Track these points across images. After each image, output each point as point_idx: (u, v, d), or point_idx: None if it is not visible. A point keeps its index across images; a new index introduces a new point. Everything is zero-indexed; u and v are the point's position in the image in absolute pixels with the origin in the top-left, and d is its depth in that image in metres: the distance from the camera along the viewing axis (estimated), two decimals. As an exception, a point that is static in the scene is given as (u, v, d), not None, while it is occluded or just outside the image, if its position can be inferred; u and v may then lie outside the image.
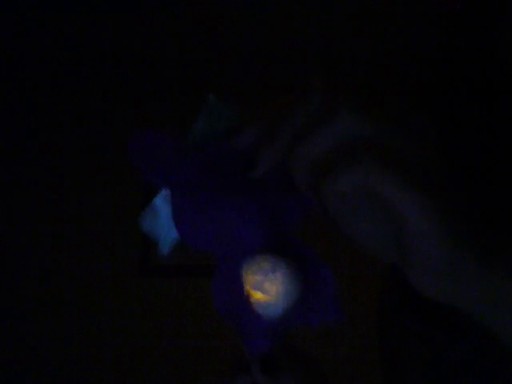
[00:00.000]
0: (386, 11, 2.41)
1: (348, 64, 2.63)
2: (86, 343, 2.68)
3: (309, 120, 0.33)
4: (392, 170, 0.31)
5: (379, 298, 0.61)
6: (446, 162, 0.34)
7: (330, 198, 0.32)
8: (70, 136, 2.82)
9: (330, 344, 2.66)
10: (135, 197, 2.63)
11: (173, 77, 2.81)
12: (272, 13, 2.48)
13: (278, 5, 2.42)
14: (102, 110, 2.83)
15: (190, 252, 0.38)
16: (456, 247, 0.32)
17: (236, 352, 0.51)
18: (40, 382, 2.65)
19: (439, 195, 0.32)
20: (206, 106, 0.37)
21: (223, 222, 0.35)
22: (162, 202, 0.37)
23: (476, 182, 0.50)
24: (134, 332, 2.70)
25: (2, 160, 2.80)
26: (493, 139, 0.51)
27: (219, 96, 0.37)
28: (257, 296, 0.34)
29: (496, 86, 0.51)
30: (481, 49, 0.52)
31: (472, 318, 0.34)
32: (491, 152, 0.51)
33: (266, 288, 0.34)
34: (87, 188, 2.78)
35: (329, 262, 0.37)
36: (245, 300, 0.35)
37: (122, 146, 2.59)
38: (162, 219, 0.37)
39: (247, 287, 0.34)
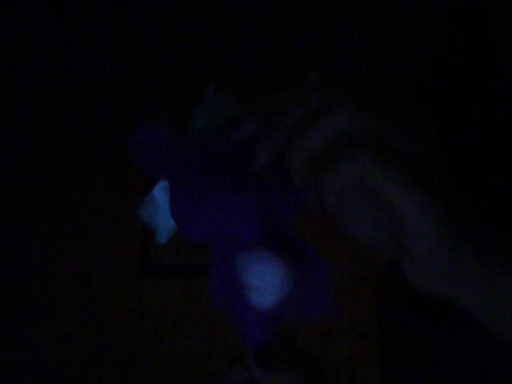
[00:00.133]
0: (385, 11, 2.41)
1: (348, 64, 2.63)
2: (85, 343, 2.68)
3: (307, 113, 0.33)
4: (390, 165, 0.31)
5: (379, 298, 0.61)
6: (446, 160, 0.34)
7: (328, 193, 0.32)
8: (70, 136, 2.82)
9: (330, 344, 2.66)
10: (135, 197, 2.63)
11: (173, 76, 2.81)
12: (272, 13, 2.48)
13: (277, 5, 2.42)
14: (102, 109, 2.83)
15: (189, 252, 0.38)
16: (455, 245, 0.32)
17: (235, 346, 0.51)
18: (40, 381, 2.64)
19: (438, 193, 0.32)
20: (206, 99, 0.37)
21: (220, 216, 0.35)
22: (160, 193, 0.38)
23: (476, 181, 0.50)
24: (134, 332, 2.70)
25: (2, 160, 2.80)
26: (492, 139, 0.51)
27: (220, 88, 0.37)
28: (250, 287, 0.34)
29: (496, 86, 0.51)
30: (481, 49, 0.52)
31: (472, 317, 0.34)
32: (491, 151, 0.51)
33: (260, 279, 0.34)
34: (87, 188, 2.78)
35: (329, 261, 0.37)
36: (239, 291, 0.35)
37: (123, 145, 2.59)
38: (160, 209, 0.38)
39: (241, 278, 0.35)
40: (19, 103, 2.82)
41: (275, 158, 0.34)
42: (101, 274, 2.73)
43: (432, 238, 0.31)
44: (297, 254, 0.36)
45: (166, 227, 0.38)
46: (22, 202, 2.77)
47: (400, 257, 0.34)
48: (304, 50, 2.63)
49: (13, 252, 2.73)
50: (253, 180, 0.35)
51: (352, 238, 0.38)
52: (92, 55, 2.78)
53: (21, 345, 2.67)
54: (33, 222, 2.75)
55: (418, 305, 0.54)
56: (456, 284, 0.33)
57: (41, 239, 2.74)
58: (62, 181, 2.79)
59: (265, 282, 0.34)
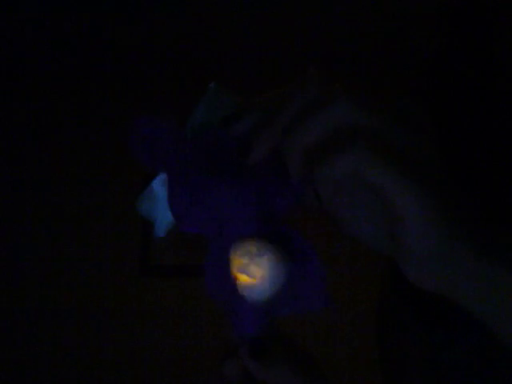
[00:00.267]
0: (385, 11, 2.41)
1: (348, 64, 2.63)
2: (85, 343, 2.68)
3: (305, 107, 0.33)
4: (386, 160, 0.31)
5: (379, 298, 0.61)
6: (445, 159, 0.34)
7: (323, 186, 0.32)
8: (70, 136, 2.82)
9: (329, 344, 2.66)
10: (135, 197, 2.63)
11: (173, 76, 2.81)
12: (272, 13, 2.48)
13: (277, 5, 2.42)
14: (102, 109, 2.83)
15: (189, 252, 0.38)
16: (450, 238, 0.32)
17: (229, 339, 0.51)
18: (40, 381, 2.65)
19: (433, 186, 0.32)
20: (206, 95, 0.38)
21: (216, 207, 0.36)
22: (159, 186, 0.38)
23: (476, 180, 0.50)
24: (134, 332, 2.70)
25: (2, 160, 2.80)
26: (492, 138, 0.51)
27: (220, 85, 0.38)
28: (243, 279, 0.35)
29: (495, 86, 0.51)
30: (480, 49, 0.52)
31: (472, 316, 0.34)
32: (491, 151, 0.51)
33: (252, 271, 0.35)
34: (87, 188, 2.78)
35: (329, 261, 0.37)
36: (233, 283, 0.35)
37: (123, 145, 2.58)
38: (159, 202, 0.38)
39: (234, 270, 0.35)
40: (19, 103, 2.82)
41: (272, 151, 0.34)
42: (101, 274, 2.73)
43: (425, 228, 0.31)
44: (292, 248, 0.36)
45: (164, 220, 0.38)
46: (22, 201, 2.77)
47: (398, 255, 0.34)
48: (304, 50, 2.63)
49: (13, 252, 2.73)
50: (250, 174, 0.36)
51: (352, 237, 0.38)
52: (92, 55, 2.78)
53: (21, 345, 2.67)
54: (33, 222, 2.75)
55: (418, 305, 0.54)
56: (456, 283, 0.33)
57: (41, 239, 2.74)
58: (62, 181, 2.79)
59: (257, 274, 0.34)
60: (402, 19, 2.43)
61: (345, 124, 0.32)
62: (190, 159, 0.36)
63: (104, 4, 2.41)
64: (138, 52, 2.78)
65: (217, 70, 2.77)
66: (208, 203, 0.36)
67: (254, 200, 0.36)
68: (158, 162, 0.37)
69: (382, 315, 0.61)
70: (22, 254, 2.73)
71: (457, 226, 0.32)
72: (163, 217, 0.38)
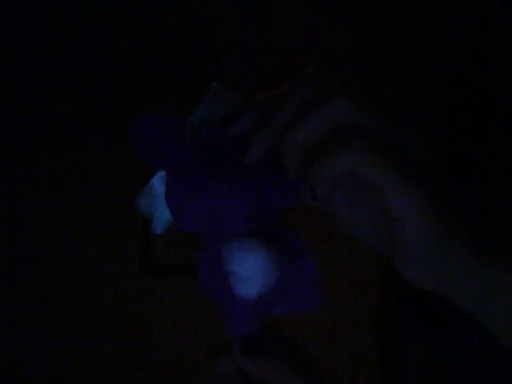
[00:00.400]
0: (385, 11, 2.41)
1: (348, 64, 2.63)
2: (85, 343, 2.68)
3: (303, 106, 0.33)
4: (384, 158, 0.31)
5: (379, 298, 0.61)
6: (443, 155, 0.34)
7: (321, 185, 0.33)
8: (70, 136, 2.82)
9: (330, 344, 2.66)
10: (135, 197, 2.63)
11: (172, 76, 2.82)
12: (272, 13, 2.48)
13: (277, 5, 2.42)
14: (103, 109, 2.83)
15: (189, 252, 0.38)
16: (450, 238, 0.32)
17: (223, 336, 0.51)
18: (40, 381, 2.65)
19: (432, 186, 0.32)
20: (207, 93, 0.38)
21: (212, 206, 0.36)
22: (158, 183, 0.39)
23: (475, 180, 0.50)
24: (134, 332, 2.70)
25: (2, 160, 2.80)
26: (492, 138, 0.51)
27: (221, 85, 0.38)
28: (233, 276, 0.35)
29: (495, 86, 0.51)
30: (480, 49, 0.52)
31: (471, 317, 0.34)
32: (490, 151, 0.51)
33: (244, 268, 0.34)
34: (87, 188, 2.79)
35: (329, 261, 0.37)
36: (225, 280, 0.35)
37: (123, 145, 2.58)
38: (157, 199, 0.38)
39: (226, 266, 0.35)
40: (19, 103, 2.82)
41: (270, 150, 0.35)
42: (101, 274, 2.73)
43: (431, 237, 0.31)
44: (286, 247, 0.36)
45: (162, 217, 0.39)
46: (22, 201, 2.77)
47: (397, 255, 0.34)
48: (304, 50, 2.63)
49: (13, 252, 2.73)
50: (247, 172, 0.36)
51: (350, 236, 0.38)
52: (92, 55, 2.78)
53: (20, 344, 2.67)
54: (33, 222, 2.75)
55: (418, 305, 0.54)
56: (455, 283, 0.33)
57: (41, 239, 2.74)
58: (61, 181, 2.79)
59: (247, 271, 0.35)
60: (402, 19, 2.43)
61: (343, 123, 0.32)
62: (189, 157, 0.37)
63: (104, 4, 2.41)
64: (138, 52, 2.78)
65: (217, 70, 2.77)
66: (204, 201, 0.36)
67: (250, 198, 0.36)
68: (156, 156, 0.38)
69: (381, 315, 0.61)
70: (22, 254, 2.73)
71: (456, 226, 0.32)
72: (161, 214, 0.38)
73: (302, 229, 0.38)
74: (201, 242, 0.37)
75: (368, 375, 2.52)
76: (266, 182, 0.36)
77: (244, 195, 0.36)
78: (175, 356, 2.67)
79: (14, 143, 2.81)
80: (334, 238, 2.58)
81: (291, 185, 0.36)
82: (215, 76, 2.74)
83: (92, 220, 2.76)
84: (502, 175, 0.50)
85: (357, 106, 0.32)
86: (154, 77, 2.83)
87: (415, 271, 0.33)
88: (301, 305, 0.37)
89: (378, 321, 0.61)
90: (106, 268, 2.73)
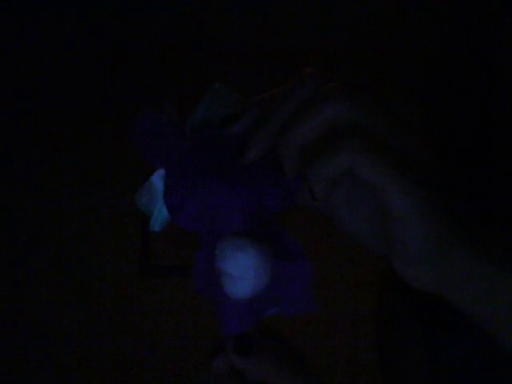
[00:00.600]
0: (385, 11, 2.41)
1: (348, 64, 2.63)
2: (85, 343, 2.68)
3: (302, 105, 0.33)
4: (383, 158, 0.31)
5: (379, 298, 0.61)
6: (444, 159, 0.34)
7: (319, 184, 0.32)
8: (70, 136, 2.82)
9: (330, 344, 2.66)
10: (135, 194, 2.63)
11: (172, 76, 2.82)
12: (272, 13, 2.48)
13: (278, 5, 2.42)
14: (103, 108, 2.83)
15: (189, 252, 0.38)
16: (450, 238, 0.32)
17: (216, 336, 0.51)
18: (40, 381, 2.65)
19: (432, 186, 0.32)
20: (209, 94, 0.38)
21: (210, 204, 0.36)
22: (158, 181, 0.39)
23: (475, 180, 0.50)
24: (134, 332, 2.70)
25: (2, 160, 2.80)
26: (492, 138, 0.51)
27: (223, 85, 0.38)
28: (225, 275, 0.35)
29: (495, 86, 0.51)
30: (480, 49, 0.52)
31: (470, 318, 0.34)
32: (490, 151, 0.51)
33: (236, 268, 0.35)
34: (87, 188, 2.79)
35: (329, 262, 0.37)
36: (218, 279, 0.36)
37: (123, 145, 2.57)
38: (156, 197, 0.39)
39: (218, 265, 0.35)
40: (19, 102, 2.82)
41: (268, 150, 0.35)
42: (100, 274, 2.73)
43: (430, 237, 0.31)
44: (279, 246, 0.36)
45: (160, 215, 0.39)
46: (22, 201, 2.77)
47: (395, 255, 0.34)
48: (304, 50, 2.63)
49: (13, 252, 2.73)
50: (246, 172, 0.36)
51: (348, 236, 0.38)
52: (92, 54, 2.78)
53: (20, 344, 2.67)
54: (33, 222, 2.75)
55: (418, 305, 0.54)
56: (454, 284, 0.33)
57: (41, 239, 2.74)
58: (61, 181, 2.79)
59: (239, 271, 0.35)
60: (402, 19, 2.43)
61: (342, 122, 0.32)
62: (188, 156, 0.37)
63: (104, 4, 2.41)
64: (138, 52, 2.78)
65: (217, 70, 2.77)
66: (202, 200, 0.36)
67: (249, 198, 0.36)
68: (156, 154, 0.38)
69: (381, 315, 0.61)
70: (22, 254, 2.73)
71: (456, 226, 0.32)
72: (159, 212, 0.39)
73: (302, 229, 0.38)
74: (198, 241, 0.37)
75: (368, 375, 2.52)
76: (264, 182, 0.36)
77: (242, 195, 0.36)
78: (175, 356, 2.67)
79: (13, 143, 2.81)
80: (334, 237, 2.58)
81: (290, 185, 0.36)
82: (215, 76, 2.74)
83: (92, 220, 2.76)
84: (501, 175, 0.50)
85: (356, 105, 0.32)
86: (154, 77, 2.83)
87: (414, 271, 0.33)
88: (294, 306, 0.37)
89: (378, 321, 0.61)
90: (106, 268, 2.73)
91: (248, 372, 0.49)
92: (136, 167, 2.59)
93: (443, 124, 0.53)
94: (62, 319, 2.70)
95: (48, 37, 2.66)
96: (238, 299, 0.35)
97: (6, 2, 2.40)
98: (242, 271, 0.34)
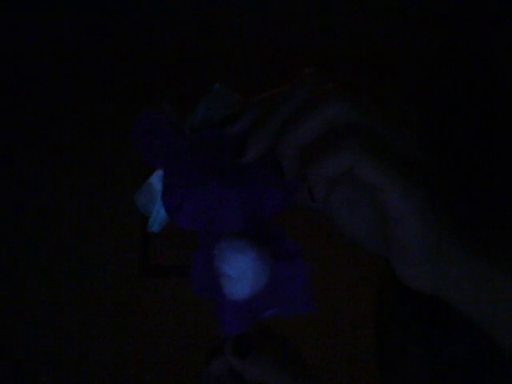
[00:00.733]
0: (385, 11, 2.41)
1: (348, 64, 2.63)
2: (85, 342, 2.68)
3: (301, 106, 0.33)
4: (383, 158, 0.31)
5: (378, 298, 0.61)
6: (444, 160, 0.34)
7: (318, 185, 0.32)
8: (70, 136, 2.82)
9: (330, 344, 2.66)
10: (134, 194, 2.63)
11: (172, 75, 2.82)
12: (272, 12, 2.48)
13: (278, 4, 2.42)
14: (103, 109, 2.83)
15: (189, 252, 0.38)
16: (444, 236, 0.32)
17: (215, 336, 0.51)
18: (40, 381, 2.65)
19: (432, 187, 0.32)
20: (209, 94, 0.38)
21: (209, 204, 0.36)
22: (156, 181, 0.39)
23: (475, 181, 0.50)
24: (134, 332, 2.70)
25: (2, 159, 2.80)
26: (492, 139, 0.51)
27: (224, 85, 0.38)
28: (224, 276, 0.35)
29: (495, 87, 0.51)
30: (481, 49, 0.52)
31: (469, 318, 0.34)
32: (490, 152, 0.51)
33: (234, 268, 0.34)
34: (87, 187, 2.79)
35: (329, 262, 0.37)
36: (216, 279, 0.35)
37: (123, 145, 2.57)
38: (155, 197, 0.39)
39: (217, 266, 0.35)
40: (19, 102, 2.82)
41: (267, 150, 0.35)
42: (100, 274, 2.73)
43: (430, 238, 0.31)
44: (278, 248, 0.36)
45: (159, 216, 0.39)
46: (22, 201, 2.77)
47: (394, 256, 0.33)
48: (304, 50, 2.63)
49: (12, 252, 2.73)
50: (245, 172, 0.36)
51: (347, 237, 0.38)
52: (92, 54, 2.78)
53: (20, 344, 2.67)
54: (33, 222, 2.75)
55: (418, 305, 0.54)
56: (453, 285, 0.33)
57: (41, 239, 2.74)
58: (61, 180, 2.79)
59: (237, 272, 0.34)
60: (402, 19, 2.43)
61: (342, 123, 0.32)
62: (188, 156, 0.37)
63: (104, 4, 2.41)
64: (138, 52, 2.78)
65: (217, 70, 2.77)
66: (201, 200, 0.36)
67: (247, 198, 0.36)
68: (156, 154, 0.38)
69: (381, 315, 0.61)
70: (22, 254, 2.73)
71: (456, 226, 0.32)
72: (158, 212, 0.39)
73: (302, 229, 0.38)
74: (197, 241, 0.37)
75: (368, 375, 2.52)
76: (263, 182, 0.36)
77: (241, 195, 0.36)
78: (175, 356, 2.67)
79: (13, 143, 2.81)
80: (334, 237, 2.58)
81: (289, 185, 0.36)
82: (215, 76, 2.74)
83: (92, 220, 2.76)
84: (501, 176, 0.50)
85: (356, 105, 0.32)
86: (154, 77, 2.83)
87: (414, 272, 0.33)
88: (293, 306, 0.37)
89: (378, 321, 0.61)
90: (106, 268, 2.73)
91: (247, 373, 0.49)
92: (136, 167, 2.59)
93: (443, 124, 0.53)
94: (62, 319, 2.70)
95: (48, 37, 2.66)
96: (236, 300, 0.35)
97: (6, 2, 2.40)
98: (241, 272, 0.34)
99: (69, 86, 2.83)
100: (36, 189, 2.78)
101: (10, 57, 2.78)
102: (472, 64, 0.53)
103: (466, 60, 0.54)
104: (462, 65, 0.54)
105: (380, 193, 0.31)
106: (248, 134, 0.35)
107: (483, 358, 0.49)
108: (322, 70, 0.35)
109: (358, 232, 0.37)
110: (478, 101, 0.52)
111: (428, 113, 0.53)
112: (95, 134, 2.82)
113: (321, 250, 2.58)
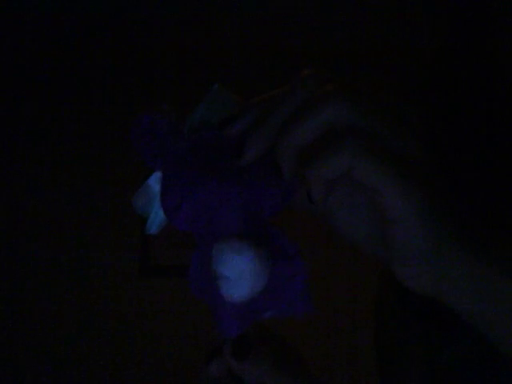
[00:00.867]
0: (385, 11, 2.41)
1: (348, 64, 2.63)
2: (85, 342, 2.68)
3: (300, 106, 0.33)
4: (379, 157, 0.31)
5: (378, 298, 0.61)
6: (444, 160, 0.34)
7: (317, 186, 0.32)
8: (70, 136, 2.82)
9: (330, 344, 2.66)
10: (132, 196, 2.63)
11: (172, 75, 2.82)
12: (272, 13, 2.48)
13: (278, 4, 2.42)
14: (103, 109, 2.83)
15: (189, 252, 0.38)
16: (443, 237, 0.32)
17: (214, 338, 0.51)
18: (40, 381, 2.65)
19: (431, 188, 0.31)
20: (208, 95, 0.38)
21: (207, 205, 0.36)
22: (155, 183, 0.38)
23: (475, 179, 0.50)
24: (134, 332, 2.70)
25: (2, 159, 2.80)
26: (492, 139, 0.51)
27: (223, 86, 0.38)
28: (222, 278, 0.35)
29: (495, 86, 0.51)
30: (480, 49, 0.52)
31: (468, 319, 0.34)
32: (490, 152, 0.51)
33: (233, 270, 0.34)
34: (87, 188, 2.78)
35: (329, 262, 0.37)
36: (214, 281, 0.35)
37: (123, 145, 2.57)
38: (153, 199, 0.38)
39: (216, 267, 0.35)
40: (19, 102, 2.82)
41: (265, 152, 0.35)
42: (100, 274, 2.73)
43: (430, 239, 0.31)
44: (276, 249, 0.36)
45: (157, 217, 0.38)
46: (22, 201, 2.77)
47: (394, 258, 0.33)
48: (304, 50, 2.63)
49: (12, 252, 2.73)
50: (244, 173, 0.36)
51: (346, 239, 0.38)
52: (92, 54, 2.78)
53: (20, 344, 2.67)
54: (32, 222, 2.75)
55: (418, 305, 0.54)
56: (454, 285, 0.33)
57: (40, 239, 2.74)
58: (61, 180, 2.79)
59: (236, 273, 0.34)
60: (401, 19, 2.43)
61: (341, 124, 0.32)
62: (187, 157, 0.37)
63: (104, 4, 2.41)
64: (139, 51, 2.78)
65: (217, 70, 2.77)
66: (200, 201, 0.36)
67: (246, 200, 0.36)
68: (156, 159, 0.38)
69: (381, 315, 0.61)
70: (22, 254, 2.73)
71: (455, 226, 0.32)
72: (156, 214, 0.38)
73: (302, 229, 0.38)
74: (195, 242, 0.37)
75: (368, 375, 2.52)
76: (262, 183, 0.36)
77: (240, 196, 0.36)
78: (175, 356, 2.67)
79: (13, 143, 2.81)
80: (334, 237, 2.58)
81: (288, 186, 0.36)
82: (215, 76, 2.74)
83: (92, 220, 2.76)
84: (501, 176, 0.50)
85: (355, 106, 0.32)
86: (154, 77, 2.83)
87: (413, 273, 0.33)
88: (292, 308, 0.37)
89: (378, 321, 0.61)
90: (105, 268, 2.73)
91: (246, 374, 0.49)
92: (136, 167, 2.59)
93: (443, 124, 0.52)
94: (62, 319, 2.70)
95: (48, 37, 2.66)
96: (235, 302, 0.35)
97: (6, 2, 2.40)
98: (240, 274, 0.34)
99: (69, 86, 2.83)
100: (36, 189, 2.78)
101: (9, 57, 2.78)
102: (472, 64, 0.53)
103: (465, 60, 0.54)
104: (462, 65, 0.54)
105: (379, 193, 0.31)
106: (247, 135, 0.35)
107: (483, 358, 0.49)
108: (322, 70, 0.34)
109: (357, 234, 0.37)
110: (477, 100, 0.52)
111: (428, 113, 0.53)
112: (95, 134, 2.82)
113: (321, 250, 2.58)
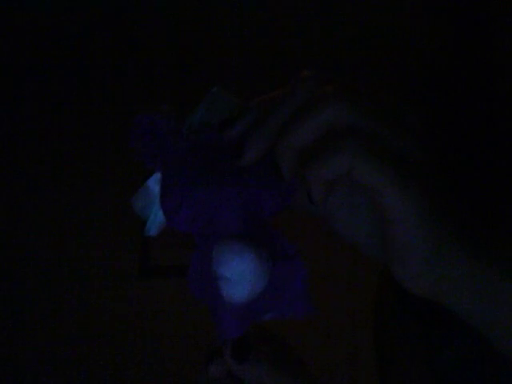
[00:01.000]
0: (385, 10, 2.41)
1: (348, 64, 2.63)
2: (85, 343, 2.68)
3: (298, 108, 0.33)
4: (379, 158, 0.31)
5: (378, 299, 0.61)
6: (442, 157, 0.34)
7: (317, 187, 0.32)
8: (70, 136, 2.81)
9: (329, 344, 2.66)
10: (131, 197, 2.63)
11: (172, 75, 2.81)
12: (272, 13, 2.48)
13: (278, 5, 2.42)
14: (103, 109, 2.83)
15: (189, 252, 0.38)
16: (443, 237, 0.31)
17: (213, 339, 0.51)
18: (40, 381, 2.64)
19: (431, 188, 0.31)
20: (209, 95, 0.38)
21: (207, 206, 0.36)
22: (154, 184, 0.38)
23: (475, 180, 0.50)
24: (134, 332, 2.70)
25: (2, 159, 2.80)
26: (491, 139, 0.51)
27: (223, 87, 0.38)
28: (222, 279, 0.35)
29: (495, 86, 0.51)
30: (480, 49, 0.52)
31: (468, 319, 0.34)
32: (490, 152, 0.51)
33: (233, 271, 0.34)
34: (87, 188, 2.78)
35: (329, 262, 0.37)
36: (214, 282, 0.35)
37: (123, 145, 2.57)
38: (152, 201, 0.38)
39: (215, 268, 0.35)
40: (19, 103, 2.82)
41: (266, 152, 0.35)
42: (100, 275, 2.73)
43: (429, 240, 0.31)
44: (276, 250, 0.36)
45: (156, 219, 0.38)
46: (22, 201, 2.77)
47: (393, 259, 0.33)
48: (304, 50, 2.63)
49: (12, 252, 2.73)
50: (243, 174, 0.36)
51: (346, 240, 0.38)
52: (92, 54, 2.78)
53: (20, 344, 2.67)
54: (32, 222, 2.75)
55: (417, 305, 0.54)
56: (454, 286, 0.33)
57: (40, 239, 2.74)
58: (61, 180, 2.79)
59: (236, 275, 0.34)
60: (402, 19, 2.43)
61: (341, 124, 0.32)
62: (186, 158, 0.37)
63: (104, 3, 2.41)
64: (139, 51, 2.78)
65: (217, 70, 2.77)
66: (199, 202, 0.36)
67: (246, 201, 0.36)
68: (155, 160, 0.38)
69: (381, 315, 0.61)
70: (22, 254, 2.73)
71: (455, 227, 0.32)
72: (155, 216, 0.38)
73: (302, 229, 0.38)
74: (195, 243, 0.37)
75: (368, 375, 2.52)
76: (262, 183, 0.36)
77: (240, 197, 0.36)
78: (175, 356, 2.67)
79: (13, 143, 2.81)
80: (334, 237, 2.58)
81: (287, 187, 0.36)
82: (215, 76, 2.74)
83: (91, 220, 2.76)
84: (501, 176, 0.50)
85: (355, 107, 0.32)
86: (154, 77, 2.82)
87: (413, 273, 0.33)
88: (292, 309, 0.37)
89: (378, 321, 0.61)
90: (105, 268, 2.73)
91: (246, 375, 0.49)
92: (136, 167, 2.58)
93: (443, 124, 0.52)
94: (62, 319, 2.70)
95: (48, 37, 2.66)
96: (235, 303, 0.35)
97: (6, 2, 2.40)
98: (240, 275, 0.34)
99: (68, 86, 2.83)
100: (36, 189, 2.78)
101: (9, 57, 2.77)
102: (472, 64, 0.53)
103: (465, 60, 0.54)
104: (462, 65, 0.54)
105: (379, 194, 0.31)
106: (247, 136, 0.35)
107: (483, 358, 0.49)
108: (321, 70, 0.34)
109: (357, 234, 0.37)
110: (477, 100, 0.52)
111: (428, 113, 0.53)
112: (95, 134, 2.82)
113: (321, 250, 2.58)
